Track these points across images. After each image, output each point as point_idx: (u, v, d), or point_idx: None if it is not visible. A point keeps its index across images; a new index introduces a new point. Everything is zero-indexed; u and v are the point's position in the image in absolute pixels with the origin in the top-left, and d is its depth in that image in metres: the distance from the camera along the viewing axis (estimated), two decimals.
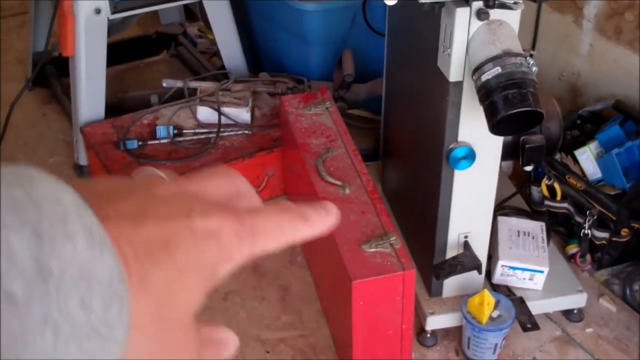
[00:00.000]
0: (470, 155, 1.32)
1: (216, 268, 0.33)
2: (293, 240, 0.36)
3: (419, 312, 1.52)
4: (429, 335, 1.54)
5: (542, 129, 1.43)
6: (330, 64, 2.17)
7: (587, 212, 1.65)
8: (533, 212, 1.76)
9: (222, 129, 1.92)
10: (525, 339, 1.55)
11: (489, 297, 1.43)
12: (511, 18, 1.19)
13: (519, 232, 1.59)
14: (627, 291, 1.63)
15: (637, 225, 1.62)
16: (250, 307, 1.65)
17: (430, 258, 1.48)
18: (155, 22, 2.53)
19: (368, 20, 2.07)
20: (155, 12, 2.36)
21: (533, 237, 1.58)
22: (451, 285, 1.51)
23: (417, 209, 1.59)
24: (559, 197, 1.72)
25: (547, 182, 1.73)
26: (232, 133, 1.93)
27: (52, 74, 2.29)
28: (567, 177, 1.69)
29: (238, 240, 0.33)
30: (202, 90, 2.03)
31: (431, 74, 1.31)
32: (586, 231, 1.66)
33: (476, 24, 1.19)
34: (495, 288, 1.54)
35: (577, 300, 1.57)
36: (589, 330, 1.59)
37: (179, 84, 2.04)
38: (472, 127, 1.29)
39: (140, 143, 1.88)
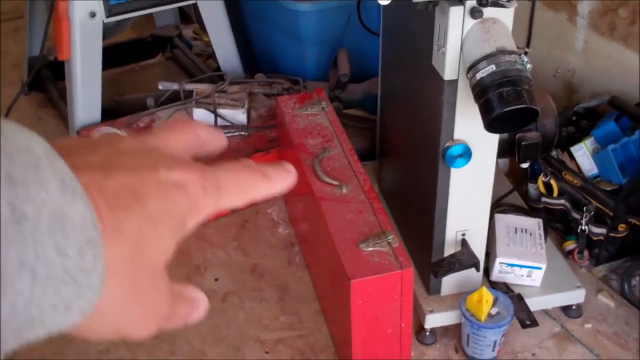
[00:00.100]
0: (466, 153, 1.33)
1: (185, 220, 0.34)
2: (255, 197, 0.38)
3: (418, 311, 1.53)
4: (428, 333, 1.54)
5: (537, 126, 1.43)
6: (325, 64, 2.17)
7: (584, 208, 1.65)
8: (530, 209, 1.77)
9: None
10: (524, 335, 1.55)
11: (487, 295, 1.43)
12: (505, 16, 1.20)
13: (516, 229, 1.59)
14: (626, 286, 1.64)
15: (634, 221, 1.63)
16: (249, 308, 1.65)
17: (428, 256, 1.48)
18: (150, 25, 2.53)
19: (363, 20, 2.07)
20: (150, 15, 2.36)
21: (530, 234, 1.58)
22: (449, 283, 1.51)
23: (414, 207, 1.59)
24: (555, 194, 1.73)
25: (543, 178, 1.73)
26: (228, 134, 1.93)
27: (48, 78, 2.29)
28: (563, 173, 1.69)
29: (203, 193, 0.34)
30: (198, 93, 2.03)
31: (426, 73, 1.31)
32: (583, 227, 1.67)
33: (470, 22, 1.19)
34: (494, 285, 1.55)
35: (575, 296, 1.57)
36: (587, 326, 1.59)
37: (174, 86, 2.05)
38: (468, 125, 1.30)
39: None
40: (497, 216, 1.62)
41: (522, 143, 1.40)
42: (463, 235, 1.45)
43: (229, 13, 2.15)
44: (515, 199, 1.78)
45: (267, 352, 1.55)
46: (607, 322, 1.60)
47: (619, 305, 1.63)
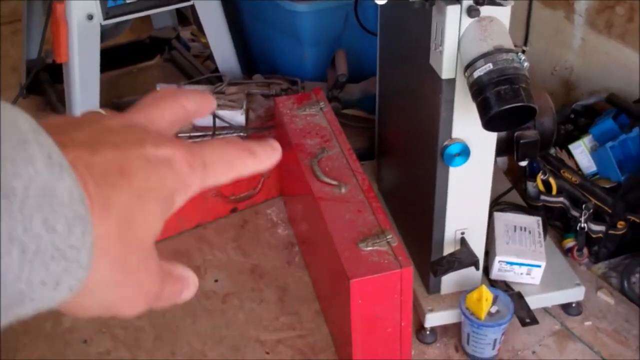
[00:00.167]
0: (465, 152, 1.33)
1: (173, 196, 0.34)
2: (241, 173, 0.38)
3: (418, 310, 1.53)
4: (428, 332, 1.54)
5: (536, 124, 1.44)
6: (323, 64, 2.17)
7: (583, 205, 1.66)
8: (529, 207, 1.77)
9: (217, 132, 1.92)
10: (524, 333, 1.55)
11: (487, 293, 1.43)
12: (502, 14, 1.20)
13: (515, 227, 1.59)
14: (625, 283, 1.64)
15: (633, 218, 1.63)
16: (248, 309, 1.65)
17: (428, 255, 1.48)
18: (148, 27, 2.53)
19: (360, 19, 2.07)
20: (148, 17, 2.36)
21: (530, 232, 1.58)
22: (449, 281, 1.51)
23: (414, 206, 1.59)
24: (554, 192, 1.73)
25: (542, 176, 1.73)
26: (227, 135, 1.93)
27: (46, 81, 2.29)
28: (562, 171, 1.69)
29: (190, 169, 0.34)
30: None
31: (424, 72, 1.32)
32: (582, 225, 1.67)
33: (467, 21, 1.19)
34: (493, 283, 1.55)
35: (575, 294, 1.57)
36: (587, 323, 1.59)
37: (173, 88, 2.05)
38: (466, 123, 1.30)
39: None
40: (496, 214, 1.62)
41: (521, 141, 1.40)
42: (462, 233, 1.45)
43: (226, 14, 2.15)
44: (514, 197, 1.78)
45: (267, 353, 1.55)
46: (607, 320, 1.60)
47: (619, 302, 1.63)
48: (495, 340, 1.45)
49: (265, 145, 0.39)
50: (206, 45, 2.32)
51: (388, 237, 1.36)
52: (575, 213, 1.69)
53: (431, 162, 1.37)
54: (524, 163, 1.50)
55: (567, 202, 1.71)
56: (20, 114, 0.27)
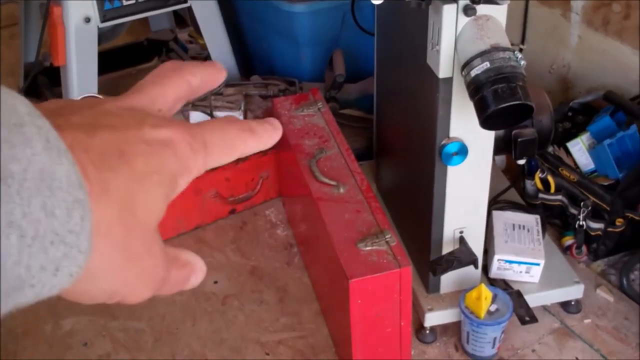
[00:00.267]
0: (463, 151, 1.33)
1: (175, 178, 0.33)
2: (243, 152, 0.37)
3: (418, 309, 1.53)
4: (428, 331, 1.54)
5: (533, 122, 1.44)
6: (321, 64, 2.17)
7: (582, 203, 1.66)
8: (528, 205, 1.77)
9: None
10: (524, 331, 1.55)
11: (486, 292, 1.43)
12: (498, 13, 1.20)
13: (514, 225, 1.60)
14: (624, 281, 1.64)
15: (631, 215, 1.63)
16: (248, 310, 1.65)
17: (427, 254, 1.48)
18: (146, 29, 2.53)
19: (357, 20, 2.07)
20: (145, 19, 2.36)
21: (528, 230, 1.59)
22: (448, 281, 1.51)
23: (412, 205, 1.59)
24: (553, 190, 1.73)
25: (540, 175, 1.73)
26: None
27: (44, 84, 2.29)
28: (560, 169, 1.69)
29: (192, 151, 0.34)
30: None
31: (421, 71, 1.32)
32: (581, 222, 1.67)
33: (463, 20, 1.19)
34: (493, 282, 1.55)
35: (574, 292, 1.58)
36: (587, 321, 1.59)
37: None
38: (464, 122, 1.30)
39: None
40: (495, 213, 1.62)
41: (518, 139, 1.40)
42: (461, 232, 1.45)
43: (223, 16, 2.15)
44: (513, 195, 1.79)
45: (267, 354, 1.55)
46: (606, 317, 1.60)
47: (618, 299, 1.63)
48: (495, 338, 1.46)
49: (265, 124, 0.38)
50: (204, 47, 2.32)
51: (387, 236, 1.36)
52: (573, 211, 1.69)
53: (429, 161, 1.37)
54: (522, 161, 1.50)
55: (565, 200, 1.71)
56: (18, 98, 0.27)
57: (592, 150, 1.69)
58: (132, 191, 0.31)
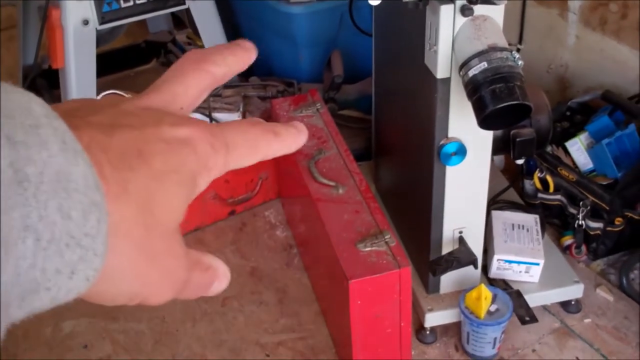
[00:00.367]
0: (461, 151, 1.33)
1: (195, 178, 0.32)
2: (266, 155, 0.36)
3: (417, 310, 1.53)
4: (428, 332, 1.54)
5: (531, 122, 1.44)
6: (319, 65, 2.17)
7: (581, 203, 1.66)
8: (527, 205, 1.77)
9: None
10: (524, 331, 1.55)
11: (486, 292, 1.43)
12: (495, 13, 1.20)
13: (513, 225, 1.60)
14: (624, 280, 1.64)
15: (630, 214, 1.63)
16: (248, 312, 1.65)
17: (426, 255, 1.48)
18: (144, 31, 2.54)
19: (355, 20, 2.08)
20: (144, 21, 2.36)
21: (528, 230, 1.59)
22: (448, 281, 1.51)
23: (411, 206, 1.59)
24: (551, 189, 1.73)
25: (539, 174, 1.73)
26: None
27: (43, 86, 2.29)
28: (559, 169, 1.69)
29: (213, 151, 0.33)
30: None
31: (419, 72, 1.32)
32: (580, 222, 1.67)
33: (461, 20, 1.19)
34: (492, 282, 1.55)
35: (574, 292, 1.58)
36: (587, 320, 1.59)
37: None
38: (462, 122, 1.30)
39: None
40: (494, 213, 1.62)
41: (517, 139, 1.40)
42: (460, 232, 1.45)
43: (221, 17, 2.15)
44: (512, 195, 1.79)
45: (267, 355, 1.55)
46: (606, 317, 1.60)
47: (618, 299, 1.63)
48: (495, 339, 1.46)
49: (290, 127, 0.37)
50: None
51: (386, 237, 1.36)
52: (572, 210, 1.69)
53: (428, 161, 1.37)
54: (520, 161, 1.50)
55: (564, 200, 1.72)
56: (33, 99, 0.27)
57: (591, 149, 1.70)
58: (151, 191, 0.30)
